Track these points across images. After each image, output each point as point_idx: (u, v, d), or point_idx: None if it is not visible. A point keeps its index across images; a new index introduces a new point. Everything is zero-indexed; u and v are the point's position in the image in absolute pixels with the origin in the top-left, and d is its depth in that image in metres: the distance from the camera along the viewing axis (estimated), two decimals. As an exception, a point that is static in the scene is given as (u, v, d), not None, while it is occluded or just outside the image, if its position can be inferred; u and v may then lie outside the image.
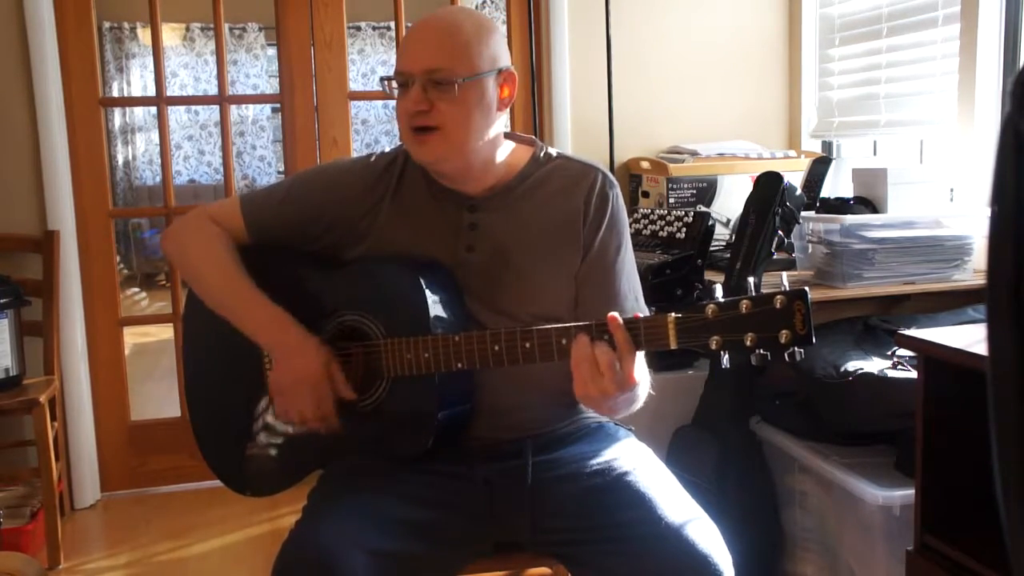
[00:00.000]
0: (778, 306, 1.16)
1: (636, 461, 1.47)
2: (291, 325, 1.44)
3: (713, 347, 1.19)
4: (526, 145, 1.55)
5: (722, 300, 1.19)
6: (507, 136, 1.54)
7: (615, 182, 1.53)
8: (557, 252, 1.49)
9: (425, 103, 1.39)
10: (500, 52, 1.45)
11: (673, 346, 1.22)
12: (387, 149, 1.58)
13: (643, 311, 1.51)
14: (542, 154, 1.54)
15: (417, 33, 1.44)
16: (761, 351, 1.17)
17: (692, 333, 1.20)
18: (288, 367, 1.42)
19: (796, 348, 1.16)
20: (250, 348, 1.51)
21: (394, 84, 1.44)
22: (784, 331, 1.15)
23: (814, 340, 1.16)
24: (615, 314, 1.24)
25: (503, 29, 3.30)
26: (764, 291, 1.19)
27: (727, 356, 1.19)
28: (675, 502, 1.38)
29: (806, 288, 1.16)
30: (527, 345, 1.31)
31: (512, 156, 1.52)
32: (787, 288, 1.18)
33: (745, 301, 1.18)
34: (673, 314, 1.21)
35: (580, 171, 1.52)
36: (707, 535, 1.32)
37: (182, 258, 1.59)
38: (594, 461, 1.46)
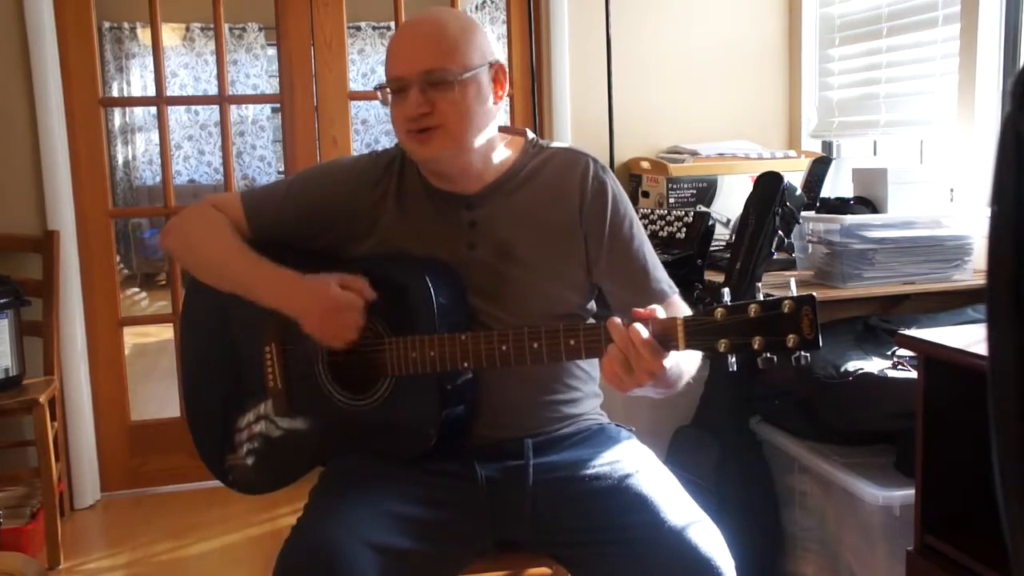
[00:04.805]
0: (786, 310, 1.16)
1: (638, 464, 1.46)
2: (300, 278, 1.42)
3: (721, 350, 1.19)
4: (517, 137, 1.56)
5: (730, 303, 1.20)
6: (500, 130, 1.54)
7: (607, 167, 1.54)
8: (558, 242, 1.49)
9: (426, 105, 1.39)
10: (488, 46, 1.45)
11: (682, 348, 1.22)
12: (388, 148, 1.58)
13: (671, 283, 1.53)
14: (532, 145, 1.54)
15: (405, 37, 1.45)
16: (768, 355, 1.17)
17: (701, 336, 1.21)
18: (311, 304, 1.40)
19: (803, 352, 1.16)
20: (249, 346, 1.52)
21: (387, 91, 1.44)
22: (792, 335, 1.16)
23: (821, 345, 1.16)
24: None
25: (503, 28, 3.31)
26: (766, 292, 1.19)
27: (734, 359, 1.20)
28: (677, 505, 1.37)
29: (814, 293, 1.16)
30: (535, 345, 1.31)
31: (505, 150, 1.52)
32: (795, 293, 1.18)
33: (753, 305, 1.18)
34: (682, 316, 1.22)
35: (570, 159, 1.52)
36: (710, 539, 1.32)
37: (184, 242, 1.58)
38: (596, 464, 1.45)
